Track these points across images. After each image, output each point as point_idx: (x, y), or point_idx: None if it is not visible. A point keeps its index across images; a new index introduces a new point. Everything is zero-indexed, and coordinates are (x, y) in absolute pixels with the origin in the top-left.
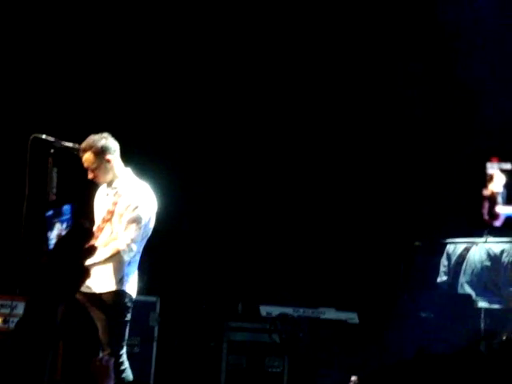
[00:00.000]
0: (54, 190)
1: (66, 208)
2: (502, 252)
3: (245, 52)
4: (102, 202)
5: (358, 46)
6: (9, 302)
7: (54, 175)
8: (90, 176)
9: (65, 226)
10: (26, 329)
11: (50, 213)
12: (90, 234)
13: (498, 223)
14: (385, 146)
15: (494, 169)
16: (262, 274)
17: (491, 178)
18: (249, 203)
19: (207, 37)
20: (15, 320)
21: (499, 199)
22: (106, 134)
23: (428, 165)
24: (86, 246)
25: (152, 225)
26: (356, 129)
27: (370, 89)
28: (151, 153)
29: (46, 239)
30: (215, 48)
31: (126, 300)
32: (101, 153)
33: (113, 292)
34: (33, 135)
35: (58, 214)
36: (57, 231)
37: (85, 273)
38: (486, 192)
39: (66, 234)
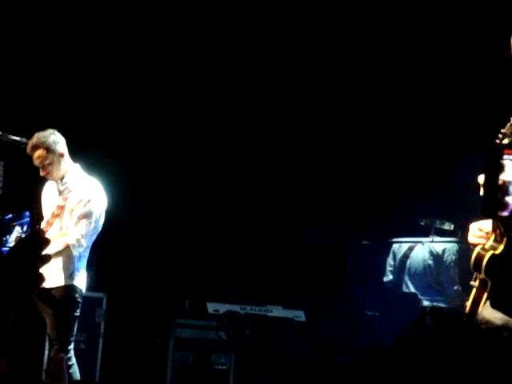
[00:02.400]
0: (0, 184)
1: (26, 213)
2: (444, 251)
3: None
4: (51, 196)
5: (354, 50)
6: None
7: (1, 169)
8: (43, 173)
9: (25, 229)
10: None
11: (9, 216)
12: (46, 242)
13: (506, 213)
14: (339, 143)
15: (507, 160)
16: (210, 271)
17: (503, 167)
18: (195, 200)
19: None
20: None
21: (511, 189)
22: (52, 130)
23: (378, 164)
24: (42, 253)
25: (102, 221)
26: (307, 129)
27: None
28: (97, 149)
29: (3, 242)
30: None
31: (76, 295)
32: (53, 147)
33: (62, 287)
34: None
35: (17, 218)
36: (16, 234)
37: (39, 279)
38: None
39: (22, 240)
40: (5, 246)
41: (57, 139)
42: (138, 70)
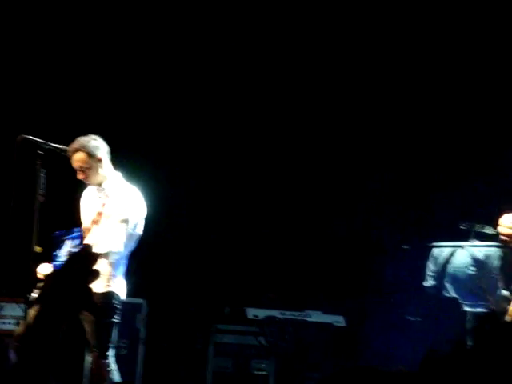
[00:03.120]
0: (43, 192)
1: (76, 229)
2: (487, 256)
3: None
4: (89, 202)
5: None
6: None
7: (43, 176)
8: (80, 176)
9: (75, 244)
10: (29, 346)
11: (60, 232)
12: (95, 257)
13: None
14: (370, 148)
15: None
16: (249, 277)
17: None
18: (236, 207)
19: (192, 34)
20: (1, 321)
21: None
22: (94, 136)
23: (417, 168)
24: (92, 268)
25: (141, 228)
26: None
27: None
28: (138, 156)
29: (54, 257)
30: (196, 43)
31: (115, 301)
32: (93, 152)
33: (101, 293)
34: (21, 136)
35: (68, 233)
36: (66, 249)
37: (89, 294)
38: None
39: (74, 255)
40: (56, 261)
41: (98, 145)
42: (179, 79)
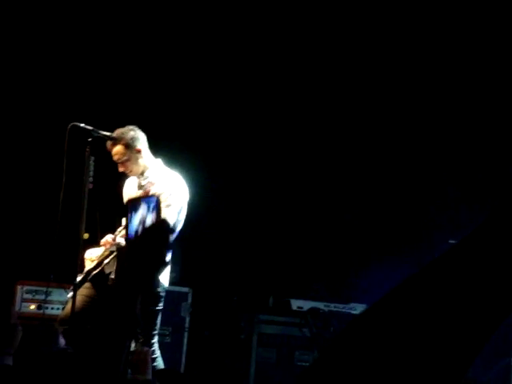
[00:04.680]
0: (91, 179)
1: (153, 197)
2: None
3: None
4: (131, 191)
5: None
6: (44, 289)
7: (92, 164)
8: (121, 169)
9: (151, 209)
10: (107, 317)
11: (138, 198)
12: (170, 230)
13: None
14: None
15: None
16: (294, 268)
17: None
18: (281, 197)
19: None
20: (49, 306)
21: None
22: (132, 127)
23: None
24: (166, 239)
25: (184, 215)
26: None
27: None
28: (181, 144)
29: (129, 220)
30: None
31: (159, 289)
32: (131, 144)
33: None
34: (71, 123)
35: (145, 199)
36: (140, 214)
37: (163, 263)
38: None
39: (150, 226)
40: (130, 223)
41: (136, 135)
42: (220, 68)
